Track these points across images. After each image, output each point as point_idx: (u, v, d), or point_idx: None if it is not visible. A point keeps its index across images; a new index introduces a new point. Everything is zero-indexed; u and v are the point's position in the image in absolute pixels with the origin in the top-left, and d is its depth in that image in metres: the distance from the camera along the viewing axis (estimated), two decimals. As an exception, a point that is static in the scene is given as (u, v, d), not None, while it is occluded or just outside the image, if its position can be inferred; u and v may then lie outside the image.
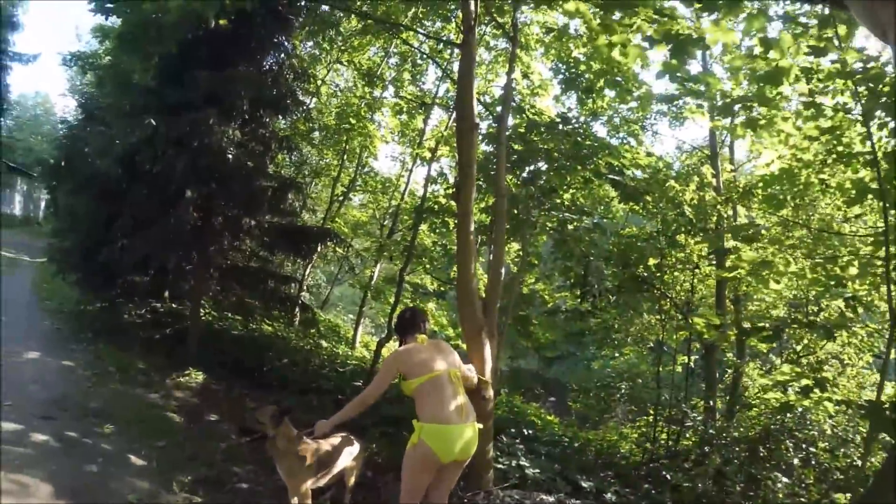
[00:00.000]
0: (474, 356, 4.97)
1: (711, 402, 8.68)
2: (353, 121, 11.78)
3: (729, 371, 10.89)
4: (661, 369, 9.43)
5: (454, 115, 12.16)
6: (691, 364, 10.35)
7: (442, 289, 15.53)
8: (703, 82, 5.27)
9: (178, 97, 7.29)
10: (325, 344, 12.00)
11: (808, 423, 7.06)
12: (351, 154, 14.62)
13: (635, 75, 9.32)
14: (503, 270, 7.08)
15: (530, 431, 8.52)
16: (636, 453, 9.01)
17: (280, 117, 9.24)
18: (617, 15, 4.06)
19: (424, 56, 11.11)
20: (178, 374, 7.14)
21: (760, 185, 6.29)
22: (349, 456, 4.19)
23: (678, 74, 4.09)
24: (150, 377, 6.85)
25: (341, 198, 15.28)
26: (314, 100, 12.31)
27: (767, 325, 5.59)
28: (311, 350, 10.89)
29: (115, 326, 8.13)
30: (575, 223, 9.54)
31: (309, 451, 3.75)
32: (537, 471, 5.84)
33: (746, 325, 6.67)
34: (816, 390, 5.02)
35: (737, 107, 5.16)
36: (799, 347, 9.28)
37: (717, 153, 9.59)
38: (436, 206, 11.39)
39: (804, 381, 5.27)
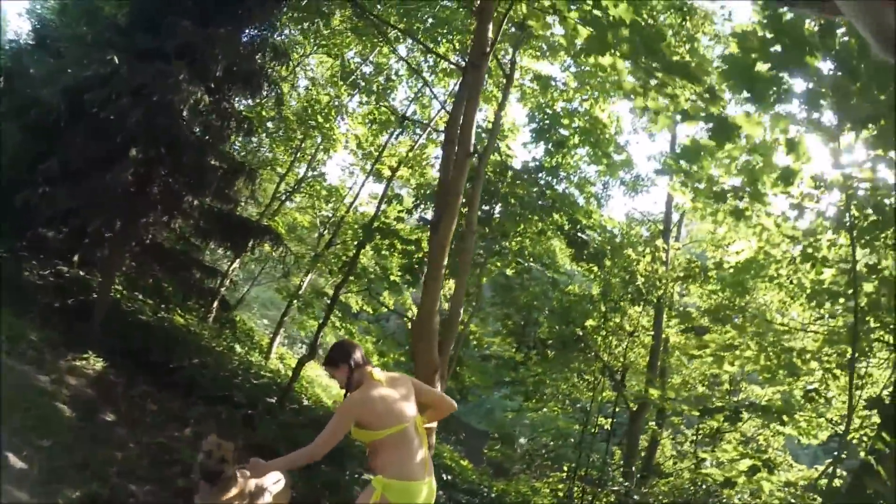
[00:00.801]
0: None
1: (633, 468, 8.77)
2: (319, 119, 11.19)
3: (642, 437, 11.13)
4: (585, 430, 9.44)
5: (423, 137, 11.92)
6: (607, 427, 10.48)
7: (369, 311, 14.91)
8: (697, 163, 5.40)
9: (149, 43, 6.47)
10: (238, 349, 11.02)
11: (722, 497, 7.24)
12: (303, 153, 13.93)
13: (615, 139, 9.60)
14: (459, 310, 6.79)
15: (449, 477, 8.21)
16: (550, 509, 8.88)
17: (247, 96, 8.53)
18: (654, 81, 3.98)
19: (410, 69, 10.79)
20: (75, 356, 6.10)
21: (731, 270, 6.52)
22: (275, 490, 3.72)
23: (707, 156, 4.08)
24: (43, 354, 5.78)
25: (283, 196, 14.43)
26: (282, 87, 11.64)
27: (725, 405, 5.71)
28: (223, 353, 9.92)
29: (13, 283, 6.82)
30: (527, 273, 9.50)
31: (238, 486, 3.31)
32: (462, 522, 5.58)
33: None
34: (764, 471, 5.11)
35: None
36: (716, 425, 9.65)
37: (670, 230, 9.95)
38: (385, 227, 10.97)
39: (749, 462, 5.35)
